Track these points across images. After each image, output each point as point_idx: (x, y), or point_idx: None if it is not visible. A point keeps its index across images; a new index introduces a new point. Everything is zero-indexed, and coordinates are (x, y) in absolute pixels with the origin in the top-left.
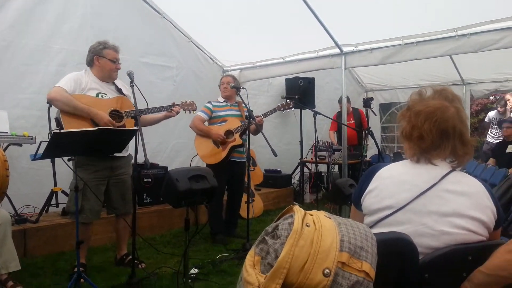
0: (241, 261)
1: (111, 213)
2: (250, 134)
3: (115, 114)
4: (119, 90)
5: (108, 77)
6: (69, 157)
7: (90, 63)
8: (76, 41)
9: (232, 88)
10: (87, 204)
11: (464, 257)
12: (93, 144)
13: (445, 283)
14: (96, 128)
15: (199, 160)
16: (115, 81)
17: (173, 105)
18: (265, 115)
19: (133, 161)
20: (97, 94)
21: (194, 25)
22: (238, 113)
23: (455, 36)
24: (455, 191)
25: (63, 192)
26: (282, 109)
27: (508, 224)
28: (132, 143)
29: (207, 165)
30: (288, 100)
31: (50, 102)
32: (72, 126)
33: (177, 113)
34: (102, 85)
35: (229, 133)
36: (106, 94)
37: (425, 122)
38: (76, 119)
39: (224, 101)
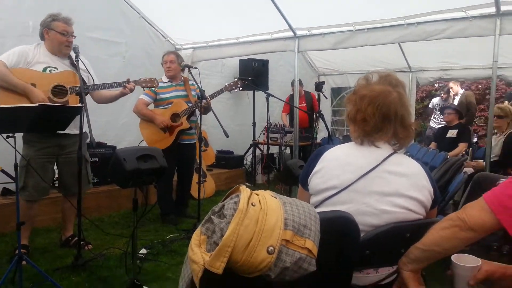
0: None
1: (61, 192)
2: (201, 115)
3: (59, 90)
4: (73, 65)
5: (58, 50)
6: (8, 134)
7: (41, 36)
8: (18, 12)
9: (183, 67)
10: (31, 181)
11: (403, 234)
12: (34, 121)
13: (384, 259)
14: (37, 104)
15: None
16: (73, 57)
17: (128, 81)
18: (212, 96)
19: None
20: (45, 68)
21: (145, 1)
22: (184, 93)
23: (403, 24)
24: (396, 172)
25: (2, 171)
26: (229, 89)
27: (445, 204)
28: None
29: None
30: (236, 79)
31: None
32: (9, 102)
33: (131, 90)
34: (53, 59)
35: (175, 116)
36: (56, 68)
37: (368, 106)
38: (14, 95)
39: (168, 81)
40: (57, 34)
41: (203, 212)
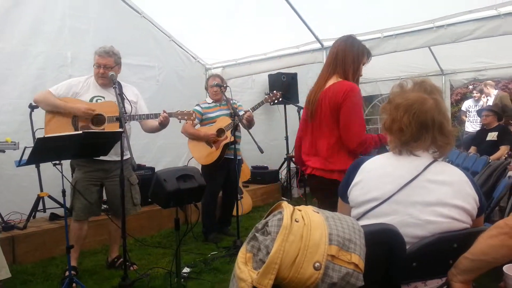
0: (232, 259)
1: (109, 215)
2: (241, 130)
3: (98, 119)
4: (121, 95)
5: (97, 81)
6: (55, 161)
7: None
8: (56, 44)
9: (215, 86)
10: (77, 202)
11: (450, 245)
12: (78, 147)
13: (432, 270)
14: (80, 132)
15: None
16: (124, 86)
17: (163, 112)
18: (253, 108)
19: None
20: (92, 98)
21: (174, 24)
22: (227, 112)
23: (432, 27)
24: (437, 180)
25: (49, 197)
26: (270, 101)
27: (491, 211)
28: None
29: (203, 166)
30: (275, 91)
31: (36, 104)
32: (52, 128)
33: (165, 122)
34: (101, 90)
35: (220, 131)
36: (103, 98)
37: (404, 115)
38: (57, 120)
39: (212, 102)
40: (95, 67)
41: (242, 229)
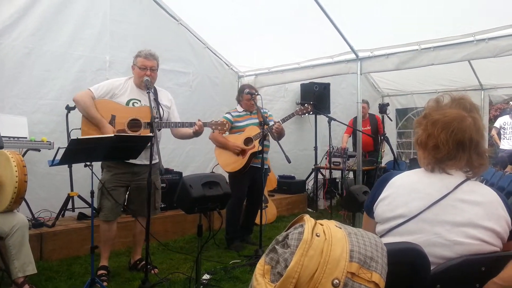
0: (253, 268)
1: (129, 214)
2: (270, 140)
3: (134, 123)
4: (156, 100)
5: (140, 84)
6: (86, 163)
7: (132, 71)
8: (96, 48)
9: (247, 94)
10: (106, 202)
11: (477, 268)
12: (109, 150)
13: None
14: (112, 135)
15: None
16: (159, 91)
17: (198, 122)
18: (284, 120)
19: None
20: (129, 101)
21: (210, 31)
22: (257, 121)
23: (473, 41)
24: (469, 200)
25: (79, 197)
26: (300, 113)
27: None
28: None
29: (230, 173)
30: (306, 104)
31: (74, 103)
32: (87, 133)
33: (199, 131)
34: (138, 93)
35: (248, 140)
36: (139, 101)
37: (441, 132)
38: (93, 126)
39: (243, 111)
40: (137, 69)
41: (265, 238)
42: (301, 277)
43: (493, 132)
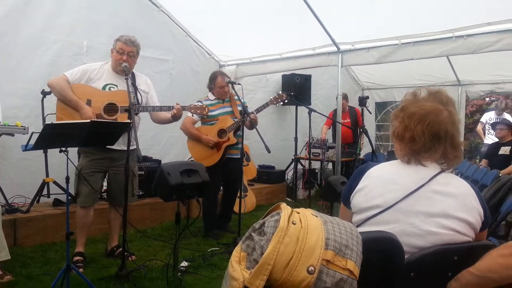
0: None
1: (107, 201)
2: (245, 129)
3: (111, 107)
4: (134, 84)
5: (117, 69)
6: (61, 148)
7: (110, 56)
8: (72, 33)
9: (227, 83)
10: (83, 188)
11: (450, 257)
12: (85, 136)
13: (430, 282)
14: (88, 120)
15: None
16: (137, 76)
17: (177, 105)
18: (258, 110)
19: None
20: (105, 86)
21: (191, 19)
22: (230, 109)
23: (452, 37)
24: (443, 192)
25: (55, 182)
26: (275, 102)
27: (497, 225)
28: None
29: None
30: (280, 92)
31: (49, 88)
32: (64, 116)
33: (178, 114)
34: (115, 77)
35: (222, 132)
36: (116, 86)
37: (418, 124)
38: (69, 109)
39: (215, 99)
40: (115, 53)
41: (244, 226)
42: (277, 264)
43: (479, 127)
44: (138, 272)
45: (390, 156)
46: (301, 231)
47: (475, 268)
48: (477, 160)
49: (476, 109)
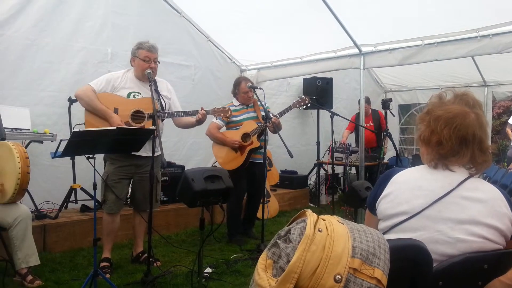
0: (255, 262)
1: (131, 207)
2: (269, 134)
3: (137, 115)
4: (156, 91)
5: (141, 76)
6: (88, 155)
7: (130, 63)
8: (97, 40)
9: (249, 88)
10: (110, 195)
11: (480, 265)
12: (111, 143)
13: None
14: (114, 127)
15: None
16: (158, 82)
17: (201, 110)
18: (281, 114)
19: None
20: (130, 94)
21: (212, 24)
22: (254, 114)
23: (477, 37)
24: (471, 197)
25: (82, 189)
26: (298, 106)
27: None
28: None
29: (228, 170)
30: (303, 96)
31: (76, 99)
32: (92, 125)
33: (202, 119)
34: (138, 85)
35: (246, 136)
36: (140, 94)
37: (444, 128)
38: (98, 118)
39: (239, 104)
40: (140, 61)
41: (267, 232)
42: (303, 272)
43: (508, 128)
44: (163, 278)
45: (415, 160)
46: (327, 239)
47: (507, 277)
48: (505, 164)
49: (503, 111)
